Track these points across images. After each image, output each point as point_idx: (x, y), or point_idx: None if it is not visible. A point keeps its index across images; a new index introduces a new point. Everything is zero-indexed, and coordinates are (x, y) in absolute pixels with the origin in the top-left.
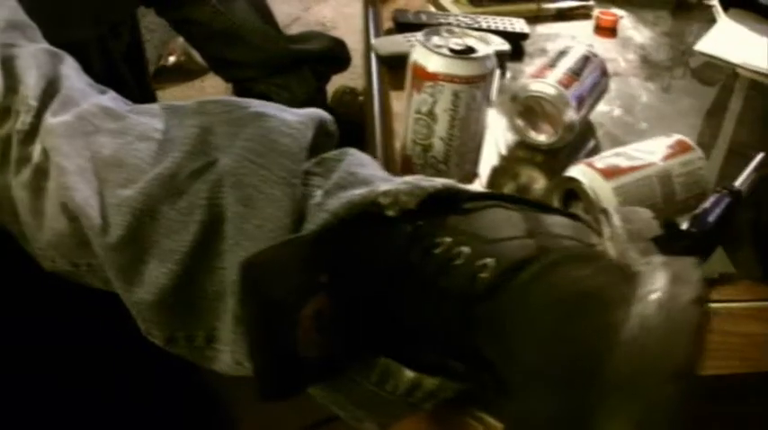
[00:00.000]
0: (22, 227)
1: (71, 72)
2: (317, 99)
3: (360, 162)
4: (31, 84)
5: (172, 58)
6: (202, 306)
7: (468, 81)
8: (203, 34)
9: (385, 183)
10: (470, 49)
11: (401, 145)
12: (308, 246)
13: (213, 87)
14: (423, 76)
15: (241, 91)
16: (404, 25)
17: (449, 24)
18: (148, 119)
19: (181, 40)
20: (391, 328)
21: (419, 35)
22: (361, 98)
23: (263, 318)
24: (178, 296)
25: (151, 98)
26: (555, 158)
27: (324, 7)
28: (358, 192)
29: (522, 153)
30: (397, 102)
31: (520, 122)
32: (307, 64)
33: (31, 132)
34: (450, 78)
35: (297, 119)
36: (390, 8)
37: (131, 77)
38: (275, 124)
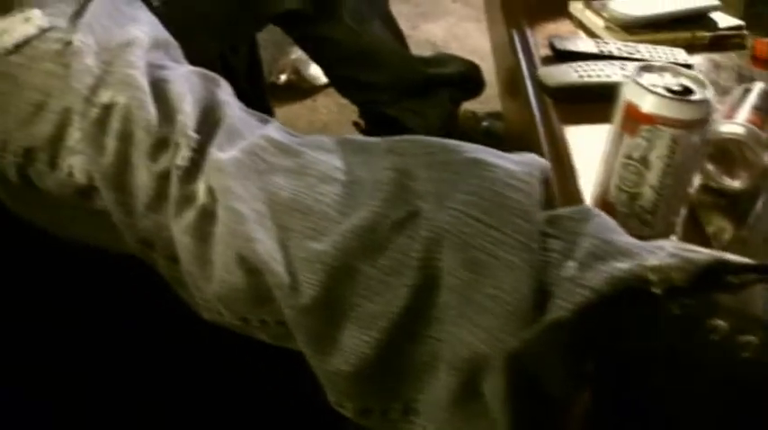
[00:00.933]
0: (181, 275)
1: (229, 98)
2: (450, 126)
3: (608, 226)
4: (188, 111)
5: (283, 77)
6: (403, 376)
7: (689, 126)
8: (335, 54)
9: (650, 254)
10: (688, 90)
11: (601, 189)
12: (571, 330)
13: (325, 107)
14: (638, 117)
15: (369, 114)
16: (564, 53)
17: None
18: (325, 155)
19: (292, 57)
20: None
21: (632, 71)
22: (484, 123)
23: (534, 416)
24: (379, 366)
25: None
26: (737, 203)
27: (433, 26)
28: (622, 266)
29: (705, 197)
30: (574, 137)
31: (711, 167)
32: (442, 88)
33: (193, 168)
34: (671, 122)
35: (521, 169)
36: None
37: (253, 97)
38: (499, 175)
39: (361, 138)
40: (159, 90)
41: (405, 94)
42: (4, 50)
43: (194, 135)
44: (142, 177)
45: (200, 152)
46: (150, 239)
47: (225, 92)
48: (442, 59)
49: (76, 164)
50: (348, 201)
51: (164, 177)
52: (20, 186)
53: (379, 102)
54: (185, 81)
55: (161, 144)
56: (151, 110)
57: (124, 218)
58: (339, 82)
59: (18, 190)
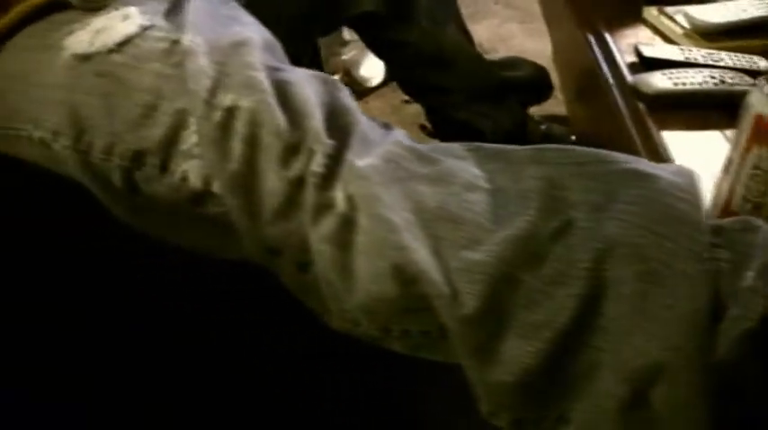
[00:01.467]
0: (310, 283)
1: (352, 103)
2: (521, 130)
3: None
4: (317, 116)
5: (335, 77)
6: (561, 386)
7: None
8: (408, 57)
9: None
10: None
11: (724, 198)
12: (760, 340)
13: (378, 109)
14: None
15: (438, 117)
16: (650, 60)
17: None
18: (459, 163)
19: (343, 58)
20: None
21: (759, 82)
22: (542, 127)
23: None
24: (541, 376)
25: None
26: None
27: (477, 28)
28: None
29: None
30: (675, 145)
31: None
32: (514, 92)
33: (330, 175)
34: None
35: (683, 179)
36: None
37: None
38: (664, 186)
39: (489, 145)
40: (283, 93)
41: (477, 97)
42: (106, 49)
43: (329, 141)
44: (271, 183)
45: (335, 159)
46: (277, 247)
47: (346, 96)
48: (513, 63)
49: (192, 168)
50: (497, 210)
51: (297, 184)
52: (123, 191)
53: (449, 105)
54: (307, 84)
55: (292, 149)
56: (279, 114)
57: (249, 225)
58: (410, 85)
59: (121, 195)
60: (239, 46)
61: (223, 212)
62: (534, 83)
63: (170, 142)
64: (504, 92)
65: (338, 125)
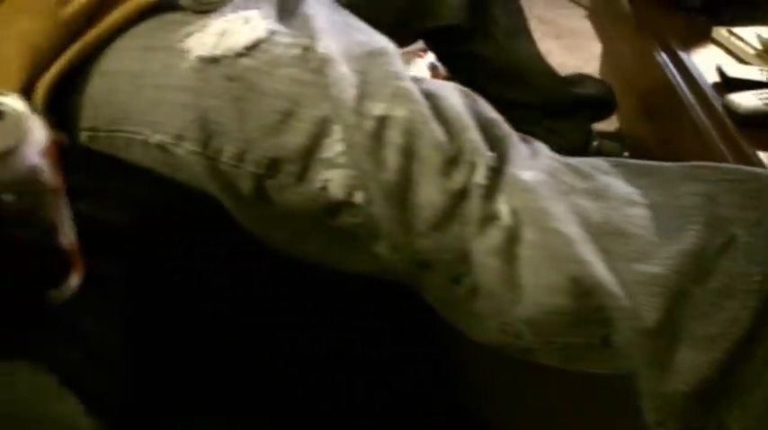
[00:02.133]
0: (461, 297)
1: (497, 114)
2: (586, 146)
3: None
4: (473, 129)
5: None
6: (728, 394)
7: None
8: (483, 71)
9: None
10: None
11: None
12: None
13: None
14: None
15: None
16: (734, 80)
17: None
18: (611, 178)
19: None
20: None
21: None
22: (594, 143)
23: None
24: (714, 385)
25: None
26: None
27: None
28: None
29: None
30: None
31: None
32: (584, 109)
33: (492, 188)
34: None
35: None
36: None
37: None
38: None
39: (633, 161)
40: (434, 104)
41: (548, 113)
42: (233, 53)
43: (490, 154)
44: (428, 195)
45: (497, 171)
46: (429, 260)
47: (489, 108)
48: (580, 80)
49: (335, 177)
50: (659, 225)
51: (459, 196)
52: (251, 199)
53: (523, 120)
54: (453, 95)
55: (451, 162)
56: (435, 125)
57: (402, 237)
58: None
59: (249, 202)
60: (377, 55)
61: (356, 224)
62: (601, 100)
63: (310, 150)
64: (576, 108)
65: (492, 137)
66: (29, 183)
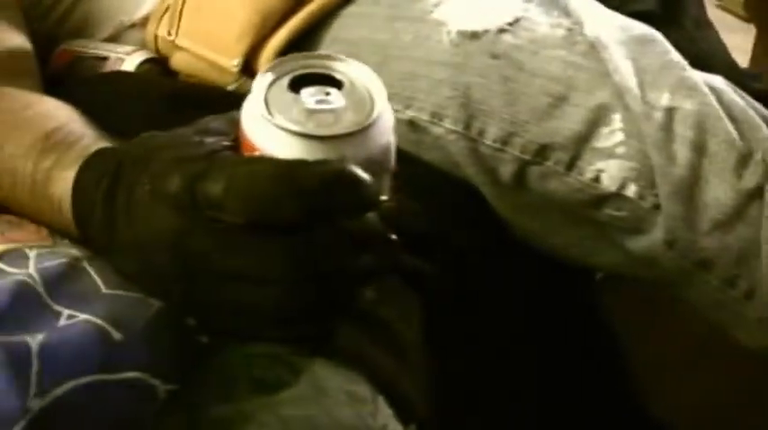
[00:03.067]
0: (745, 298)
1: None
2: None
3: None
4: (761, 125)
5: None
6: None
7: None
8: None
9: None
10: None
11: None
12: None
13: None
14: None
15: None
16: None
17: None
18: None
19: None
20: None
21: None
22: None
23: None
24: None
25: None
26: None
27: None
28: None
29: None
30: None
31: None
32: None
33: None
34: None
35: None
36: None
37: None
38: None
39: None
40: (717, 98)
41: None
42: (496, 28)
43: None
44: (717, 193)
45: None
46: (710, 259)
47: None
48: (755, 75)
49: (609, 168)
50: None
51: (750, 196)
52: (510, 184)
53: None
54: (730, 90)
55: (743, 160)
56: (726, 121)
57: (684, 233)
58: None
59: (507, 188)
60: (647, 42)
61: (618, 217)
62: None
63: (584, 138)
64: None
65: None
66: (380, 163)
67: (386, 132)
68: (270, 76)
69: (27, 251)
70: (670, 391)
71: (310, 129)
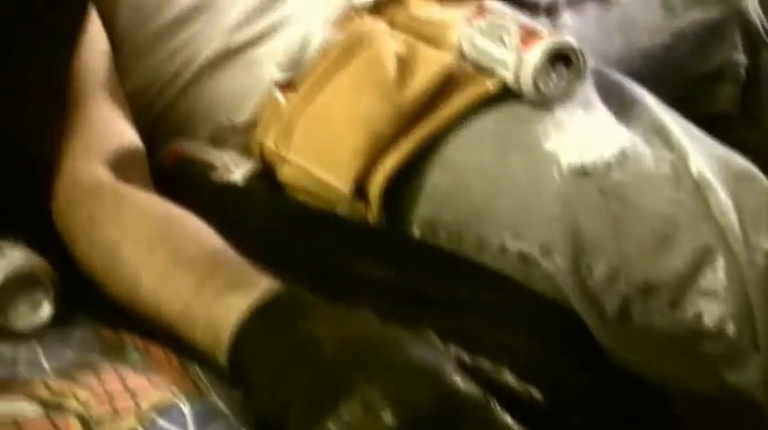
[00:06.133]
0: None
1: None
2: None
3: None
4: None
5: None
6: None
7: None
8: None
9: None
10: None
11: None
12: None
13: None
14: None
15: None
16: None
17: None
18: None
19: None
20: None
21: None
22: None
23: None
24: None
25: None
26: None
27: None
28: None
29: None
30: None
31: None
32: None
33: None
34: None
35: None
36: None
37: None
38: None
39: None
40: None
41: None
42: (603, 163)
43: None
44: None
45: None
46: None
47: None
48: None
49: (713, 309)
50: None
51: None
52: (614, 317)
53: None
54: None
55: None
56: None
57: None
58: None
59: (610, 320)
60: (749, 179)
61: (716, 352)
62: None
63: (688, 277)
64: None
65: None
66: None
67: None
68: None
69: (182, 407)
70: None
71: None
